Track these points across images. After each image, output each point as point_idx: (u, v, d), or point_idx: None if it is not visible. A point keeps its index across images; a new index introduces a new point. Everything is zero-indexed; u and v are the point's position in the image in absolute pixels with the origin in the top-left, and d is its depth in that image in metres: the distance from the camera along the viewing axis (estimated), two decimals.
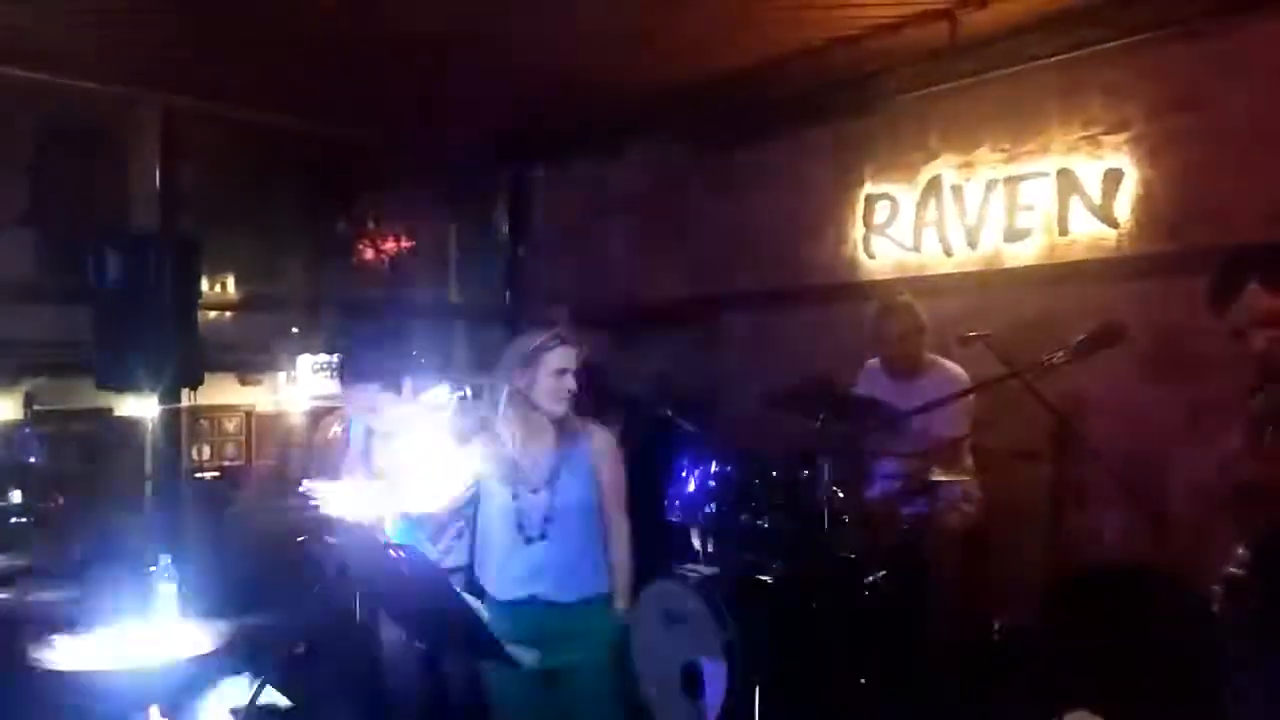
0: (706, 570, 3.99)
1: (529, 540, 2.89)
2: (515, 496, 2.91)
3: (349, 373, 3.67)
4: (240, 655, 3.13)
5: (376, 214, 12.05)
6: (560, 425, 2.95)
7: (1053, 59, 4.36)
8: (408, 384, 3.55)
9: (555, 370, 2.90)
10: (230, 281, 10.39)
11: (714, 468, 4.22)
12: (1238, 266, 2.28)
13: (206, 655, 2.89)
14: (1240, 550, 2.27)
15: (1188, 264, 4.02)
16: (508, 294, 6.96)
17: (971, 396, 3.90)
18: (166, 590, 3.01)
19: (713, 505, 4.06)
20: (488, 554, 2.98)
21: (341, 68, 4.90)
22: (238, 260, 10.32)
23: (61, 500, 5.35)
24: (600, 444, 2.99)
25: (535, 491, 2.90)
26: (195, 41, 4.51)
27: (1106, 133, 4.32)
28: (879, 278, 5.06)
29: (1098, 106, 4.35)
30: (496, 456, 2.93)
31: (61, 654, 2.86)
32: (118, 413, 9.56)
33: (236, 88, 5.18)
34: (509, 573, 2.92)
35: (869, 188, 5.12)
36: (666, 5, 4.16)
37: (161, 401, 4.99)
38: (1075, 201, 4.39)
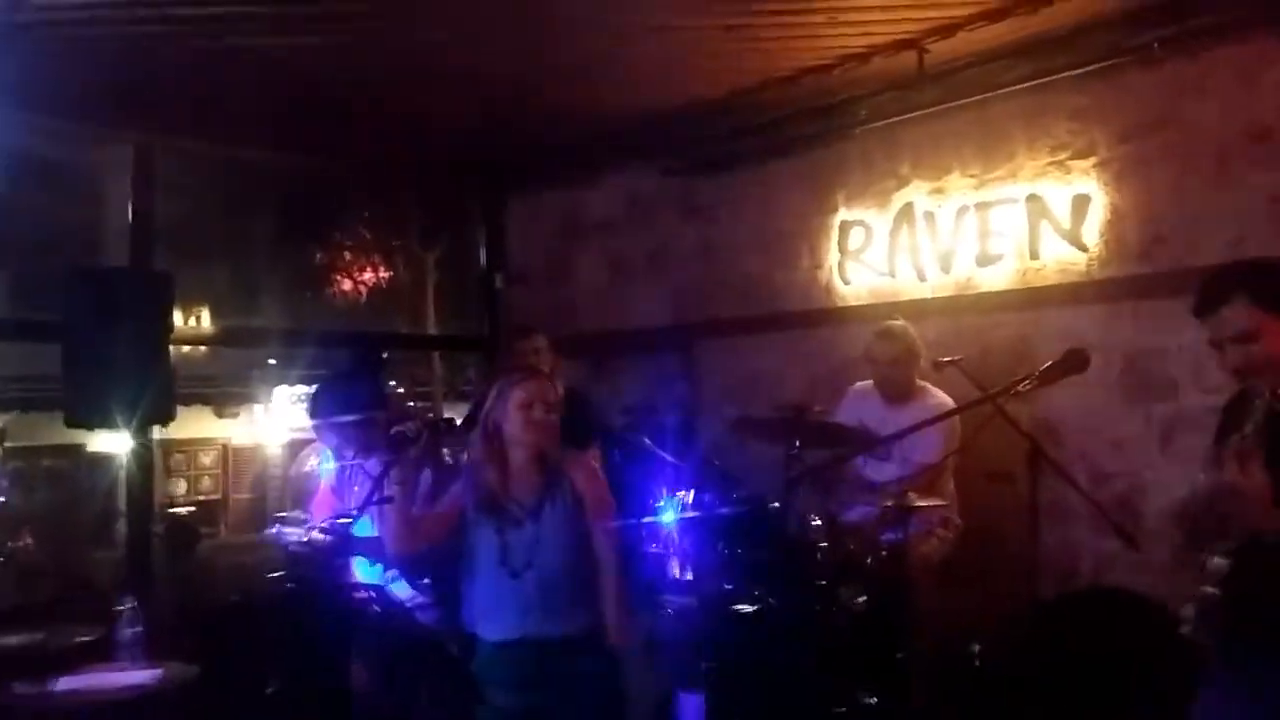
0: (684, 600, 3.96)
1: (514, 575, 2.84)
2: (499, 531, 2.88)
3: (321, 406, 3.66)
4: (212, 695, 3.09)
5: (353, 246, 12.08)
6: (542, 457, 2.92)
7: (1019, 86, 4.40)
8: (382, 416, 3.54)
9: (520, 404, 2.88)
10: (205, 315, 10.36)
11: (691, 496, 4.21)
12: (1228, 278, 2.29)
13: (172, 695, 2.84)
14: (1214, 560, 2.26)
15: (1155, 287, 4.08)
16: (486, 324, 6.94)
17: (957, 423, 3.90)
18: (131, 633, 2.97)
19: (690, 534, 4.04)
20: (474, 591, 2.95)
21: (315, 102, 4.90)
22: (213, 294, 10.31)
23: (30, 540, 5.27)
24: (586, 475, 2.95)
25: (519, 525, 2.87)
26: (168, 78, 4.50)
27: (1074, 158, 4.36)
28: (854, 304, 5.08)
29: (1064, 132, 4.39)
30: (478, 490, 2.92)
31: (26, 696, 2.81)
32: (90, 448, 9.47)
33: (210, 123, 5.17)
34: (497, 611, 2.88)
35: (843, 214, 5.15)
36: (639, 35, 4.19)
37: (134, 436, 4.93)
38: (1045, 226, 4.42)
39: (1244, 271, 2.30)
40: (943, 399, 4.13)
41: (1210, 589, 2.24)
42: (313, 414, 3.71)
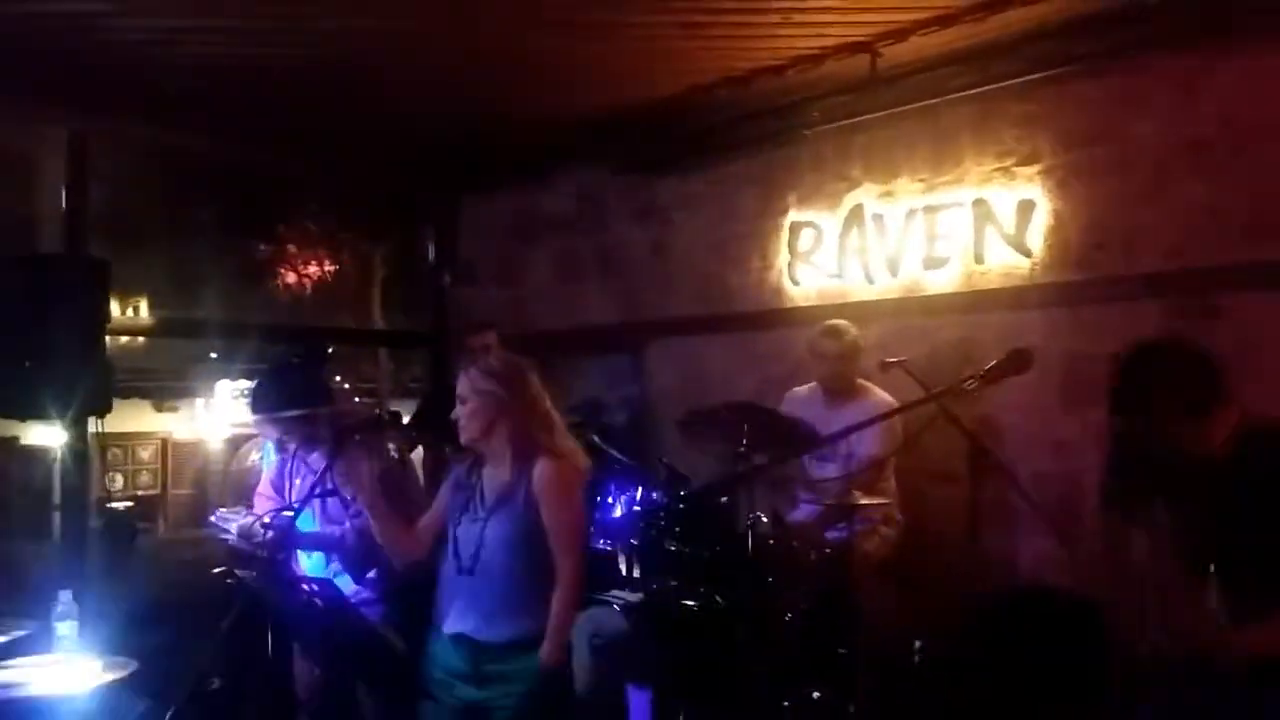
0: (632, 596, 3.97)
1: (460, 571, 2.82)
2: (456, 525, 2.87)
3: (262, 400, 3.60)
4: (150, 690, 3.03)
5: (298, 238, 11.89)
6: (514, 454, 2.84)
7: (968, 92, 4.47)
8: (323, 410, 3.50)
9: (458, 398, 2.88)
10: (143, 306, 10.12)
11: (640, 494, 4.22)
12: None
13: (109, 690, 2.78)
14: None
15: (1094, 293, 4.17)
16: (433, 321, 6.87)
17: (898, 422, 3.96)
18: (66, 627, 2.90)
19: (638, 531, 4.05)
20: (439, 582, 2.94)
21: (262, 92, 4.82)
22: (152, 284, 10.08)
23: None
24: (547, 477, 2.79)
25: (474, 521, 2.85)
26: (103, 60, 4.39)
27: (1019, 164, 4.44)
28: (803, 305, 5.12)
29: (1010, 138, 4.47)
30: (454, 483, 2.91)
31: None
32: (24, 441, 9.23)
33: (148, 108, 5.05)
34: (445, 604, 2.87)
35: (793, 215, 5.19)
36: (592, 35, 4.18)
37: (69, 429, 4.80)
38: (990, 230, 4.50)
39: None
40: (884, 397, 4.19)
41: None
42: (254, 408, 3.66)
